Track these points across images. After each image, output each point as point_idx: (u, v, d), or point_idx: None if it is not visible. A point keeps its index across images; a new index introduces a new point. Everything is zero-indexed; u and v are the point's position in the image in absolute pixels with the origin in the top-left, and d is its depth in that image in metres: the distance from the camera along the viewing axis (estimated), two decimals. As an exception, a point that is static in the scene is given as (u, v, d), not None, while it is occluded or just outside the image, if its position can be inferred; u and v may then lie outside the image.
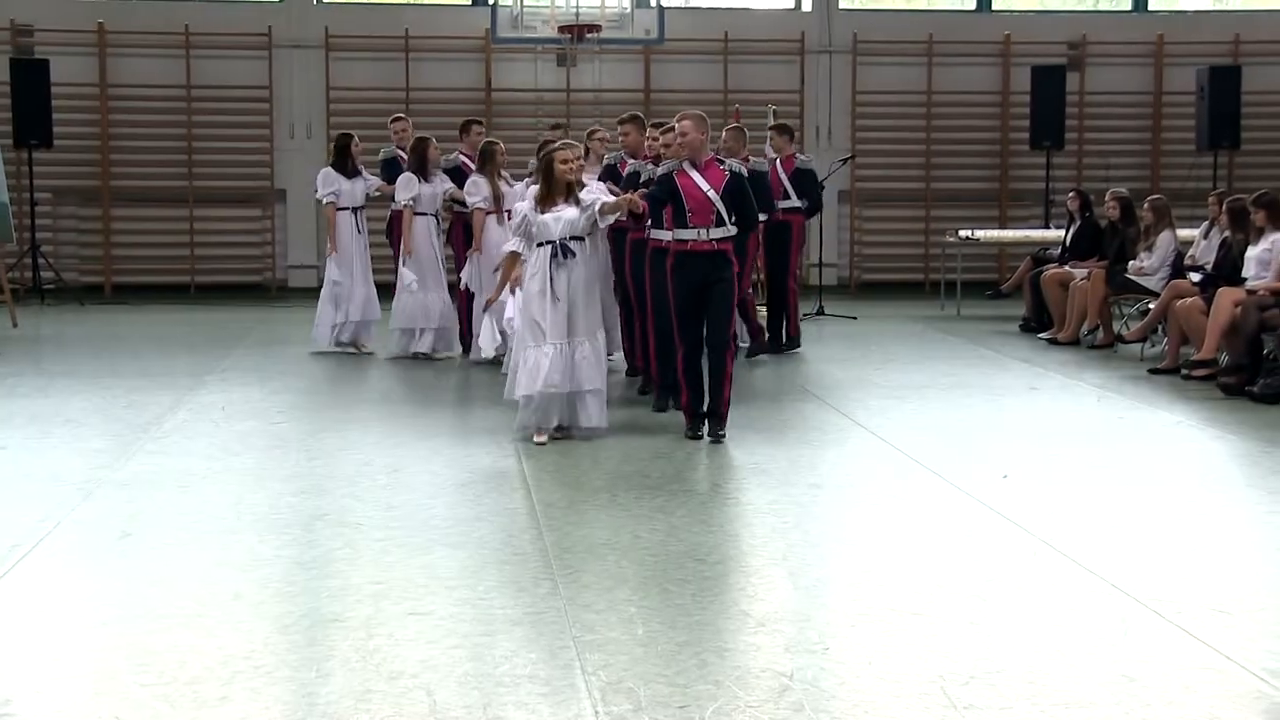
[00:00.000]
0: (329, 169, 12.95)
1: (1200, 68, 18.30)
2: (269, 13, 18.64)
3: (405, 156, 12.84)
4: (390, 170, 13.03)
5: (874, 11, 19.97)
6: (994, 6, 19.70)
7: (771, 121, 14.05)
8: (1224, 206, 12.27)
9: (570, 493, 7.59)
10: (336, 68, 18.57)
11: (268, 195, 18.69)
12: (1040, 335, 14.05)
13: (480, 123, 13.35)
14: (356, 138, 13.08)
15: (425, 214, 12.48)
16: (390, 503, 7.31)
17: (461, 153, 12.85)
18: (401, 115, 13.90)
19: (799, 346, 13.14)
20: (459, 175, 12.46)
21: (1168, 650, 5.10)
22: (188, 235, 18.52)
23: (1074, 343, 13.42)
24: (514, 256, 8.95)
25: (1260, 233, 11.46)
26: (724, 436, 8.84)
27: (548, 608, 5.55)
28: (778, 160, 13.11)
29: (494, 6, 16.91)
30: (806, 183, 13.22)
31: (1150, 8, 19.87)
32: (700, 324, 8.91)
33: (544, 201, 8.81)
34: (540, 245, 8.80)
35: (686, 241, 8.89)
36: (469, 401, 10.44)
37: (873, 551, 6.49)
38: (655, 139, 10.28)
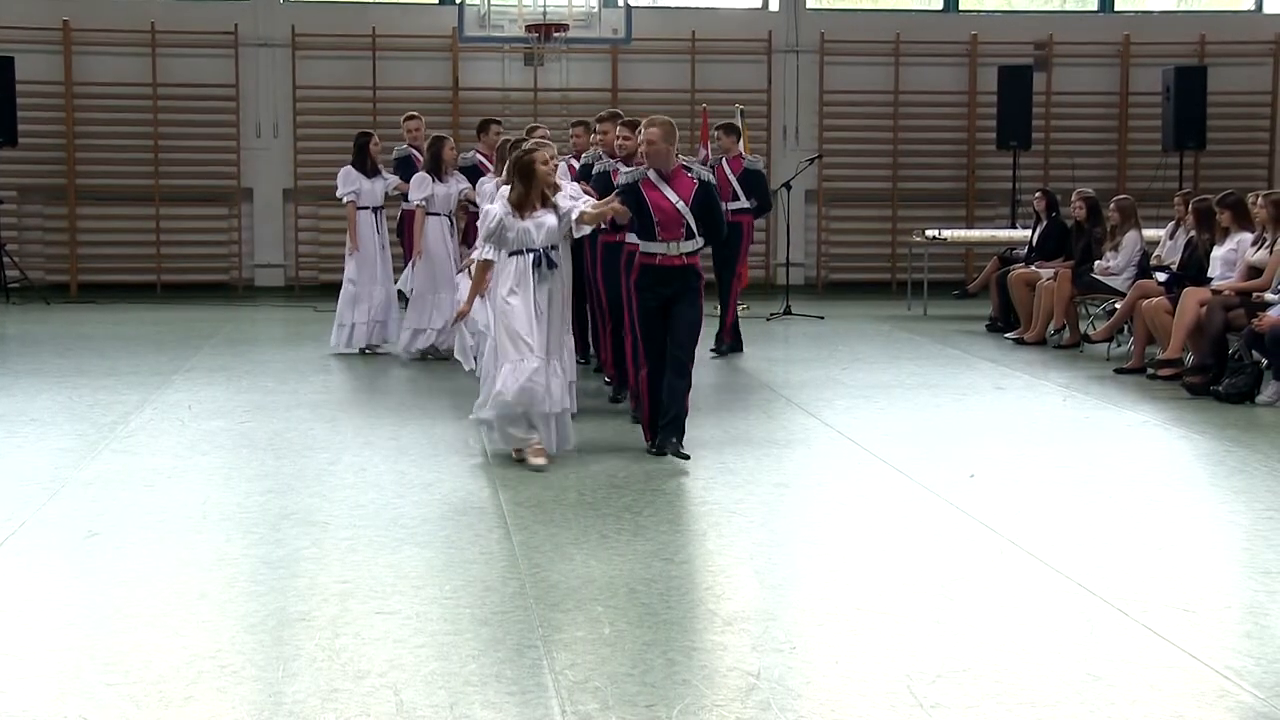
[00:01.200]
0: (349, 167, 12.78)
1: (1166, 68, 18.41)
2: (235, 11, 18.55)
3: (419, 155, 12.71)
4: (405, 169, 12.90)
5: (841, 11, 19.99)
6: (961, 6, 19.76)
7: (738, 121, 14.03)
8: (1189, 206, 12.34)
9: (538, 492, 7.57)
10: (303, 66, 18.50)
11: (234, 194, 18.61)
12: (1007, 335, 14.10)
13: (499, 122, 13.01)
14: (376, 136, 12.96)
15: (438, 214, 12.30)
16: (358, 501, 7.29)
17: (479, 152, 12.60)
18: (415, 114, 13.57)
19: (741, 350, 12.99)
20: (475, 175, 12.17)
21: (1133, 649, 5.12)
22: (154, 234, 18.43)
23: (1040, 342, 13.48)
24: (487, 265, 8.34)
25: (1225, 233, 11.55)
26: (682, 447, 8.28)
27: (514, 607, 5.54)
28: (724, 160, 12.96)
29: (461, 5, 16.87)
30: (754, 183, 13.08)
31: (1116, 8, 19.96)
32: (664, 340, 8.36)
33: (521, 206, 8.09)
34: (515, 253, 8.12)
35: (655, 255, 8.32)
36: (440, 402, 10.40)
37: (839, 551, 6.51)
38: (627, 138, 9.70)
